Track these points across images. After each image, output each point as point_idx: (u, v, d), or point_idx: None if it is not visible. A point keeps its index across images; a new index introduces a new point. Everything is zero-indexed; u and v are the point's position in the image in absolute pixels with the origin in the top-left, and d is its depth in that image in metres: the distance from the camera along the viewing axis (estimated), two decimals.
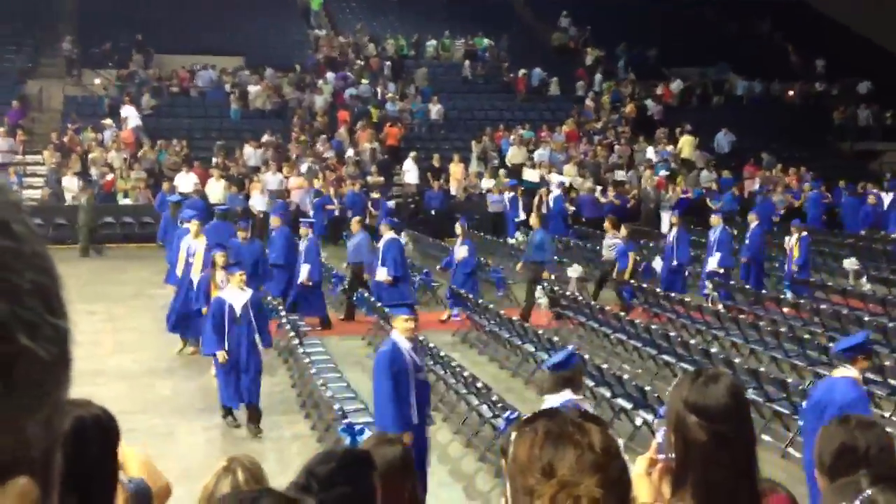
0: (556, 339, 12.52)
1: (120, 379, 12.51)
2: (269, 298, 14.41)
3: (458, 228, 17.33)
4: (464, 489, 9.47)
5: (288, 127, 29.59)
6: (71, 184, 25.13)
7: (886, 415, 10.45)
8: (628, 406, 10.25)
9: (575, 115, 32.21)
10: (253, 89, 30.93)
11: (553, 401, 6.24)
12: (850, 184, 28.00)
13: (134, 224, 24.82)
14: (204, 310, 12.50)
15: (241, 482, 3.78)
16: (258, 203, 24.86)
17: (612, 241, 17.41)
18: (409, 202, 27.18)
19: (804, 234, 18.12)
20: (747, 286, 17.27)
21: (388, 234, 16.05)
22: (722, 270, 17.45)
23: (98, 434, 2.80)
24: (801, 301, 15.47)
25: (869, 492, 2.85)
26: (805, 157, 31.02)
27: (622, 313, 14.30)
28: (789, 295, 16.78)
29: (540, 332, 12.82)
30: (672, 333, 13.15)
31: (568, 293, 16.05)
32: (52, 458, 0.58)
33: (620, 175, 29.14)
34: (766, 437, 9.85)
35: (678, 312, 15.06)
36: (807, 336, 12.49)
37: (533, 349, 12.77)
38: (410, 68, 34.45)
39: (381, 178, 27.56)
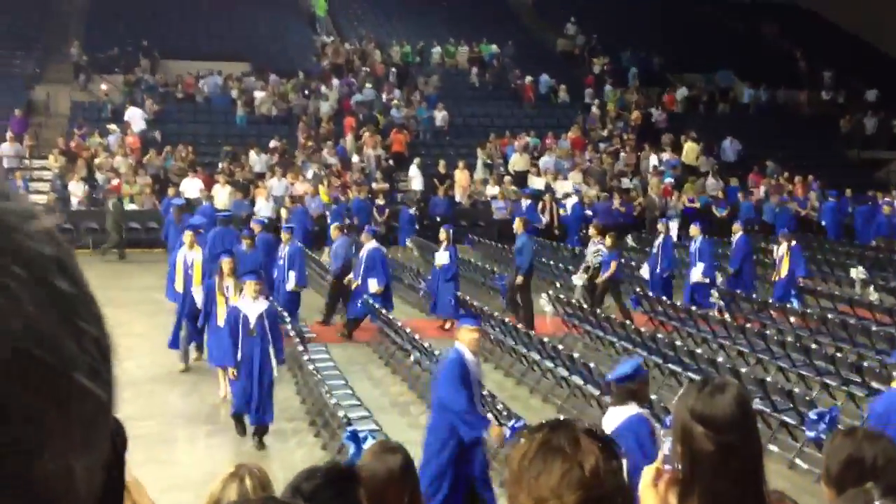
0: (561, 347, 12.48)
1: (124, 385, 12.44)
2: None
3: (441, 234, 17.09)
4: None
5: (293, 133, 29.64)
6: (77, 189, 25.20)
7: None
8: None
9: (580, 123, 32.21)
10: (258, 95, 31.01)
11: (618, 414, 6.09)
12: (860, 194, 27.95)
13: (140, 229, 24.86)
14: (201, 326, 12.51)
15: (249, 489, 3.77)
16: (263, 209, 24.91)
17: (597, 248, 17.43)
18: (414, 209, 27.19)
19: (794, 242, 17.99)
20: (754, 295, 17.22)
21: (369, 244, 16.00)
22: (707, 281, 17.33)
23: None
24: (808, 310, 15.41)
25: (878, 503, 2.82)
26: (811, 166, 30.96)
27: (628, 322, 14.26)
28: (796, 304, 16.72)
29: (545, 340, 12.78)
30: (678, 342, 13.10)
31: (573, 301, 16.02)
32: (94, 500, 0.60)
33: (626, 183, 29.14)
34: (772, 448, 9.80)
35: (684, 321, 15.02)
36: (814, 346, 12.41)
37: (538, 357, 12.73)
38: (419, 75, 34.46)
39: (386, 185, 27.58)
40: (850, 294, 17.79)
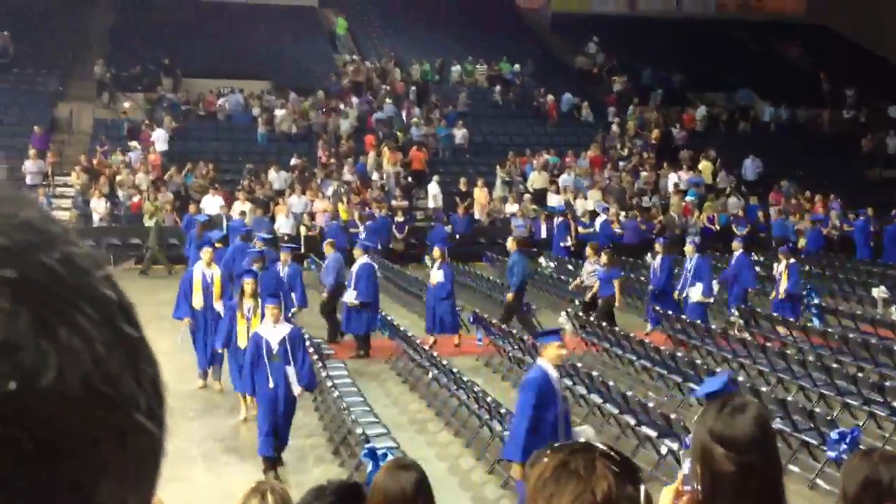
0: (580, 364, 12.43)
1: None
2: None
3: (435, 252, 16.89)
4: None
5: (313, 150, 29.78)
6: (98, 205, 25.41)
7: None
8: (653, 434, 10.14)
9: (599, 141, 32.20)
10: (279, 113, 31.19)
11: None
12: (884, 213, 27.73)
13: (161, 246, 24.97)
14: (223, 350, 12.24)
15: None
16: (283, 226, 25.03)
17: (593, 268, 17.36)
18: (432, 226, 27.25)
19: (792, 260, 17.78)
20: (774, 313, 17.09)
21: (361, 259, 15.95)
22: (709, 300, 17.12)
23: None
24: (830, 330, 15.28)
25: None
26: (832, 184, 30.79)
27: (647, 340, 14.19)
28: (817, 323, 16.58)
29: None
30: (698, 361, 13.03)
31: (592, 319, 15.97)
32: None
33: (645, 201, 29.08)
34: (793, 468, 9.71)
35: (703, 339, 14.94)
36: (835, 365, 12.31)
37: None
38: (440, 94, 34.57)
39: (406, 203, 27.65)
40: (871, 314, 17.64)
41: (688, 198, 28.47)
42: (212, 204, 25.37)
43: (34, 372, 0.51)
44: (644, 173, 30.54)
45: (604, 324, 15.38)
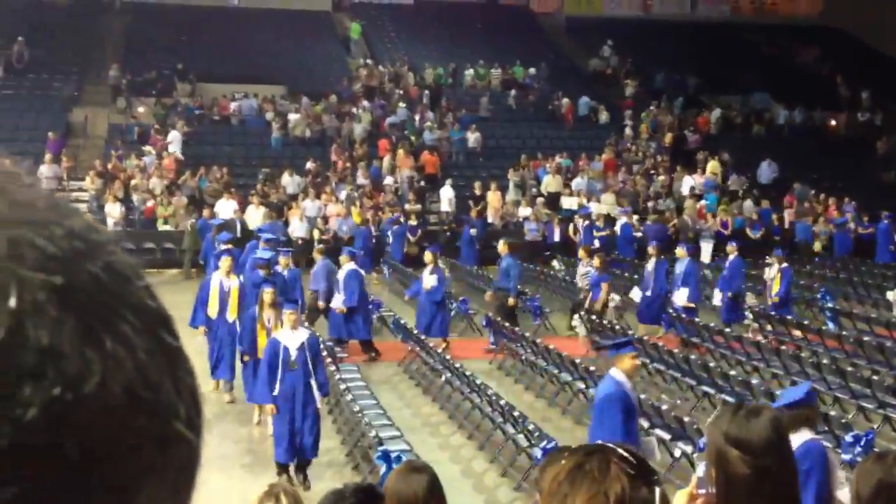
0: (593, 368, 12.42)
1: None
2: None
3: (427, 256, 16.60)
4: None
5: (327, 155, 29.84)
6: (113, 210, 25.51)
7: None
8: (667, 437, 10.12)
9: (612, 144, 32.13)
10: (293, 117, 31.27)
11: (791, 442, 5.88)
12: None
13: (174, 250, 25.08)
14: (245, 357, 11.98)
15: None
16: (297, 230, 25.10)
17: (586, 270, 17.30)
18: (445, 230, 27.26)
19: (784, 265, 17.62)
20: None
21: (347, 265, 15.84)
22: (693, 306, 17.01)
23: None
24: (844, 333, 15.21)
25: None
26: (846, 187, 30.66)
27: (661, 343, 14.16)
28: (831, 326, 16.51)
29: (577, 361, 12.73)
30: (712, 364, 13.00)
31: (605, 322, 15.94)
32: None
33: (660, 204, 28.98)
34: None
35: (717, 342, 14.90)
36: (850, 368, 12.26)
37: (570, 378, 12.67)
38: (458, 97, 34.56)
39: (419, 206, 27.68)
40: (887, 317, 17.55)
41: (704, 201, 28.37)
42: (226, 208, 25.44)
43: (78, 379, 0.52)
44: (660, 178, 30.45)
45: (617, 326, 15.36)
